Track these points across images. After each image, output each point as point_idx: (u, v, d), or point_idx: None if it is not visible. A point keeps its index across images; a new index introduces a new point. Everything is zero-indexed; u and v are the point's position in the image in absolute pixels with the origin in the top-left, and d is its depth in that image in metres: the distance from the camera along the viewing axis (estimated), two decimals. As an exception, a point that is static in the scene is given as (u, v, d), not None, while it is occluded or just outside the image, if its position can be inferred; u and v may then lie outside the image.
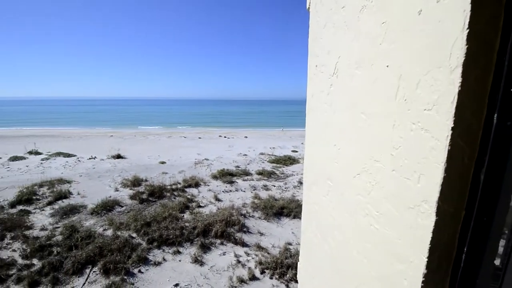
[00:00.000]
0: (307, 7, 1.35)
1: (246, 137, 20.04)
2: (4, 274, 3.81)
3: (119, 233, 4.95)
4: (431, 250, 0.59)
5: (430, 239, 0.59)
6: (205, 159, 11.45)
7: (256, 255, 4.51)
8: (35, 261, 4.16)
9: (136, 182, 7.78)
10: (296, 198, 6.79)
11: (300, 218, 5.76)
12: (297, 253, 4.46)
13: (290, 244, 4.83)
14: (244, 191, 7.40)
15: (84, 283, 3.76)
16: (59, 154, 11.87)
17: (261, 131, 25.14)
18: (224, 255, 4.51)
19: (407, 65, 0.63)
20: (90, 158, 11.22)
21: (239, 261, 4.34)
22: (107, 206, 6.05)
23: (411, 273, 0.62)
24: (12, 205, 6.14)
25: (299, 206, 6.23)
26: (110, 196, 6.74)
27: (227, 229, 5.11)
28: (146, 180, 8.07)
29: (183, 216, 5.75)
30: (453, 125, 0.53)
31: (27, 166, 9.84)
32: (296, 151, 13.50)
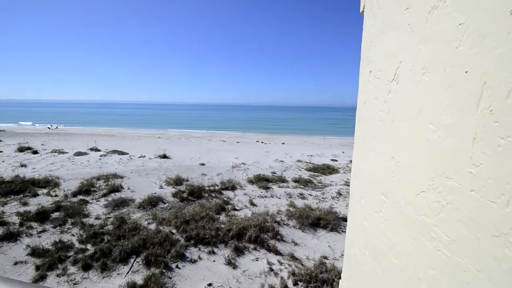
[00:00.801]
0: (360, 11, 1.29)
1: (283, 143, 19.91)
2: (63, 255, 4.33)
3: (161, 228, 5.27)
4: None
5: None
6: (242, 163, 11.65)
7: (289, 265, 4.39)
8: (89, 246, 4.65)
9: (178, 181, 8.27)
10: (334, 209, 6.47)
11: (338, 231, 5.47)
12: (333, 269, 4.21)
13: (326, 258, 4.60)
14: (279, 198, 7.31)
15: (128, 272, 4.07)
16: (114, 151, 13.26)
17: (299, 138, 24.76)
18: (257, 260, 4.48)
19: (493, 71, 0.55)
20: (140, 157, 12.28)
21: (271, 269, 4.26)
22: (152, 202, 6.52)
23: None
24: (74, 194, 6.99)
25: (337, 218, 5.92)
26: (155, 193, 7.26)
27: (260, 234, 5.08)
28: (187, 180, 8.52)
29: (219, 217, 5.90)
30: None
31: (88, 161, 11.18)
32: (336, 160, 12.94)
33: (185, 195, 7.15)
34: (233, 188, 7.94)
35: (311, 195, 7.60)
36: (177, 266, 4.25)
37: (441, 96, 0.65)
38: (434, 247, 0.64)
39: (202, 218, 5.59)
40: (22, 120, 42.88)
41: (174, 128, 34.94)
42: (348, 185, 8.55)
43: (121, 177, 8.71)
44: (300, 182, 8.74)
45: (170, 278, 3.98)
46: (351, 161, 11.20)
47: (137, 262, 4.28)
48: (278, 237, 5.18)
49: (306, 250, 4.84)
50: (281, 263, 4.42)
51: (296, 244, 5.02)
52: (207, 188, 7.72)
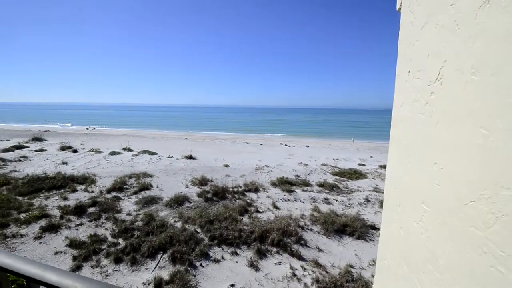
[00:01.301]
0: (397, 8, 1.23)
1: (307, 146, 19.58)
2: (97, 248, 4.63)
3: (186, 226, 5.44)
4: None
5: None
6: (265, 165, 11.65)
7: (313, 271, 4.28)
8: (120, 240, 4.93)
9: (203, 181, 8.48)
10: (361, 216, 6.20)
11: (366, 240, 5.24)
12: (360, 278, 4.03)
13: (352, 266, 4.41)
14: (303, 202, 7.19)
15: (155, 267, 4.24)
16: (145, 151, 13.97)
17: (323, 141, 24.17)
18: (279, 264, 4.43)
19: None
20: (168, 157, 12.81)
21: (294, 274, 4.19)
22: (178, 201, 6.76)
23: None
24: (108, 191, 7.47)
25: (365, 226, 5.67)
26: (181, 192, 7.52)
27: (283, 238, 5.03)
28: (211, 181, 8.70)
29: (242, 219, 5.94)
30: None
31: (121, 160, 11.90)
32: (364, 165, 12.41)
33: (209, 195, 7.31)
34: (256, 190, 7.96)
35: (336, 200, 7.36)
36: (201, 265, 4.34)
37: (495, 97, 0.59)
38: (486, 262, 0.58)
39: (225, 219, 5.67)
40: (62, 121, 46.87)
41: (199, 130, 36.01)
42: (377, 192, 8.17)
43: (151, 176, 9.14)
44: (325, 186, 8.52)
45: (194, 276, 4.08)
46: (380, 166, 10.71)
47: (164, 258, 4.45)
48: (302, 242, 5.09)
49: (331, 257, 4.69)
50: (304, 269, 4.32)
51: (320, 250, 4.89)
52: (230, 189, 7.82)
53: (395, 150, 1.05)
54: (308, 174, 10.24)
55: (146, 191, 7.58)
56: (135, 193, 7.44)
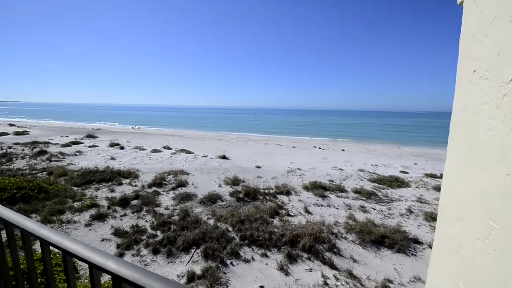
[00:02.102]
0: (458, 2, 1.10)
1: (343, 150, 18.79)
2: (138, 238, 4.98)
3: (218, 224, 5.58)
4: None
5: None
6: (298, 168, 11.45)
7: (347, 282, 4.07)
8: (158, 232, 5.24)
9: (235, 181, 8.64)
10: (403, 228, 5.74)
11: (407, 254, 4.84)
12: (399, 296, 3.73)
13: (390, 281, 4.10)
14: (337, 208, 6.89)
15: (189, 261, 4.42)
16: (182, 150, 14.73)
17: (361, 145, 22.96)
18: (310, 271, 4.30)
19: None
20: (203, 156, 13.34)
21: (326, 283, 4.03)
22: (211, 199, 6.98)
23: None
24: (149, 186, 8.02)
25: (406, 239, 5.24)
26: (215, 191, 7.75)
27: (315, 245, 4.87)
28: (243, 181, 8.82)
29: (273, 221, 5.90)
30: None
31: (161, 157, 12.71)
32: (406, 172, 11.48)
33: (241, 195, 7.42)
34: (287, 193, 7.86)
35: (374, 209, 6.92)
36: (231, 263, 4.41)
37: None
38: None
39: (256, 220, 5.69)
40: (109, 120, 51.63)
41: (233, 131, 36.84)
42: (422, 202, 7.50)
43: (187, 174, 9.60)
44: (362, 193, 8.07)
45: (225, 273, 4.16)
46: (426, 174, 9.83)
47: (197, 253, 4.62)
48: (335, 250, 4.88)
49: (367, 269, 4.41)
50: (337, 279, 4.13)
51: (355, 260, 4.63)
52: (262, 190, 7.84)
53: (454, 159, 0.94)
54: (343, 180, 9.81)
55: (182, 188, 7.98)
56: (173, 189, 7.87)
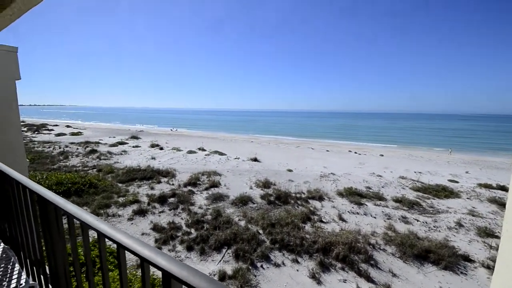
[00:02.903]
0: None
1: (381, 155, 17.63)
2: (174, 234, 5.22)
3: (249, 226, 5.61)
4: None
5: None
6: (331, 173, 11.02)
7: (386, 298, 3.76)
8: (192, 230, 5.44)
9: (266, 184, 8.63)
10: (451, 243, 5.15)
11: (455, 272, 4.35)
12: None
13: (437, 302, 3.69)
14: (374, 218, 6.46)
15: (220, 260, 4.50)
16: (215, 152, 15.21)
17: (403, 150, 21.30)
18: (344, 282, 4.07)
19: None
20: (235, 158, 13.60)
21: (362, 297, 3.77)
22: (243, 200, 7.05)
23: None
24: (185, 185, 8.39)
25: (455, 255, 4.69)
26: (246, 192, 7.82)
27: (350, 254, 4.61)
28: (274, 184, 8.77)
29: (304, 226, 5.74)
30: None
31: (196, 158, 13.26)
32: (456, 182, 10.33)
33: (272, 198, 7.37)
34: (320, 198, 7.60)
35: (417, 221, 6.33)
36: (262, 266, 4.38)
37: None
38: None
39: (287, 224, 5.59)
40: (149, 123, 55.33)
41: (264, 134, 36.96)
42: (474, 216, 6.68)
43: (220, 175, 9.85)
44: (403, 203, 7.45)
45: (255, 276, 4.14)
46: (479, 184, 8.72)
47: (228, 253, 4.68)
48: (372, 262, 4.56)
49: (408, 285, 4.04)
50: (374, 293, 3.85)
51: (394, 275, 4.27)
52: (293, 194, 7.70)
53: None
54: (382, 187, 9.17)
55: (215, 188, 8.20)
56: (206, 189, 8.13)
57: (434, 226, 6.04)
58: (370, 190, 8.72)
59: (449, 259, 4.55)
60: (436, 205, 7.49)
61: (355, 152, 18.63)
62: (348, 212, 6.75)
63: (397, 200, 7.64)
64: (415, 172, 11.92)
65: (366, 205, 7.27)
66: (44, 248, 1.40)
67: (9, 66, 3.90)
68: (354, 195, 7.87)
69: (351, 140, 30.89)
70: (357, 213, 6.68)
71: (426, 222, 6.24)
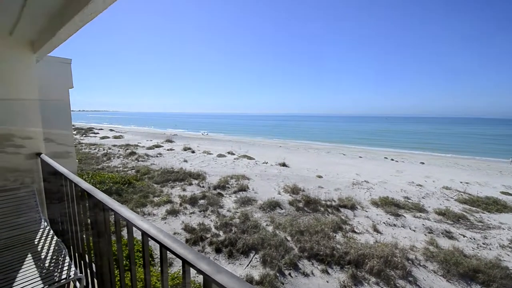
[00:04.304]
0: None
1: (422, 162, 16.32)
2: (203, 235, 5.36)
3: (277, 232, 5.54)
4: None
5: None
6: (365, 181, 10.47)
7: (426, 320, 3.43)
8: (221, 232, 5.53)
9: (295, 190, 8.48)
10: (504, 263, 4.55)
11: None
12: None
13: (489, 331, 3.27)
14: (413, 231, 5.97)
15: (248, 265, 4.50)
16: (244, 156, 15.39)
17: (447, 158, 19.49)
18: (379, 299, 3.81)
19: None
20: (263, 163, 13.62)
21: (399, 316, 3.49)
22: (271, 205, 7.01)
23: None
24: (214, 188, 8.61)
25: (508, 277, 4.13)
26: (274, 197, 7.76)
27: (385, 269, 4.31)
28: (303, 190, 8.58)
29: (335, 236, 5.51)
30: None
31: (225, 162, 13.55)
32: (510, 194, 9.16)
33: (300, 204, 7.21)
34: (352, 207, 7.25)
35: (464, 236, 5.71)
36: (289, 274, 4.29)
37: None
38: None
39: (317, 232, 5.42)
40: (182, 127, 57.79)
41: (294, 138, 36.52)
42: (538, 235, 5.80)
43: (248, 179, 9.93)
44: (448, 216, 6.78)
45: (283, 284, 4.06)
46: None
47: (255, 258, 4.67)
48: (410, 278, 4.21)
49: (454, 309, 3.64)
50: (413, 313, 3.54)
51: (437, 295, 3.89)
52: (323, 202, 7.45)
53: None
54: (423, 198, 8.47)
55: (243, 192, 8.28)
56: (235, 192, 8.25)
57: (483, 243, 5.40)
58: (409, 200, 8.10)
59: (502, 281, 4.02)
60: (486, 220, 6.69)
61: (392, 159, 17.50)
62: (384, 223, 6.33)
63: (440, 213, 6.98)
64: (461, 182, 10.81)
65: (404, 216, 6.76)
66: (91, 243, 1.53)
67: (64, 76, 4.41)
68: (391, 205, 7.37)
69: (387, 147, 29.06)
70: (394, 225, 6.24)
71: (474, 238, 5.60)
